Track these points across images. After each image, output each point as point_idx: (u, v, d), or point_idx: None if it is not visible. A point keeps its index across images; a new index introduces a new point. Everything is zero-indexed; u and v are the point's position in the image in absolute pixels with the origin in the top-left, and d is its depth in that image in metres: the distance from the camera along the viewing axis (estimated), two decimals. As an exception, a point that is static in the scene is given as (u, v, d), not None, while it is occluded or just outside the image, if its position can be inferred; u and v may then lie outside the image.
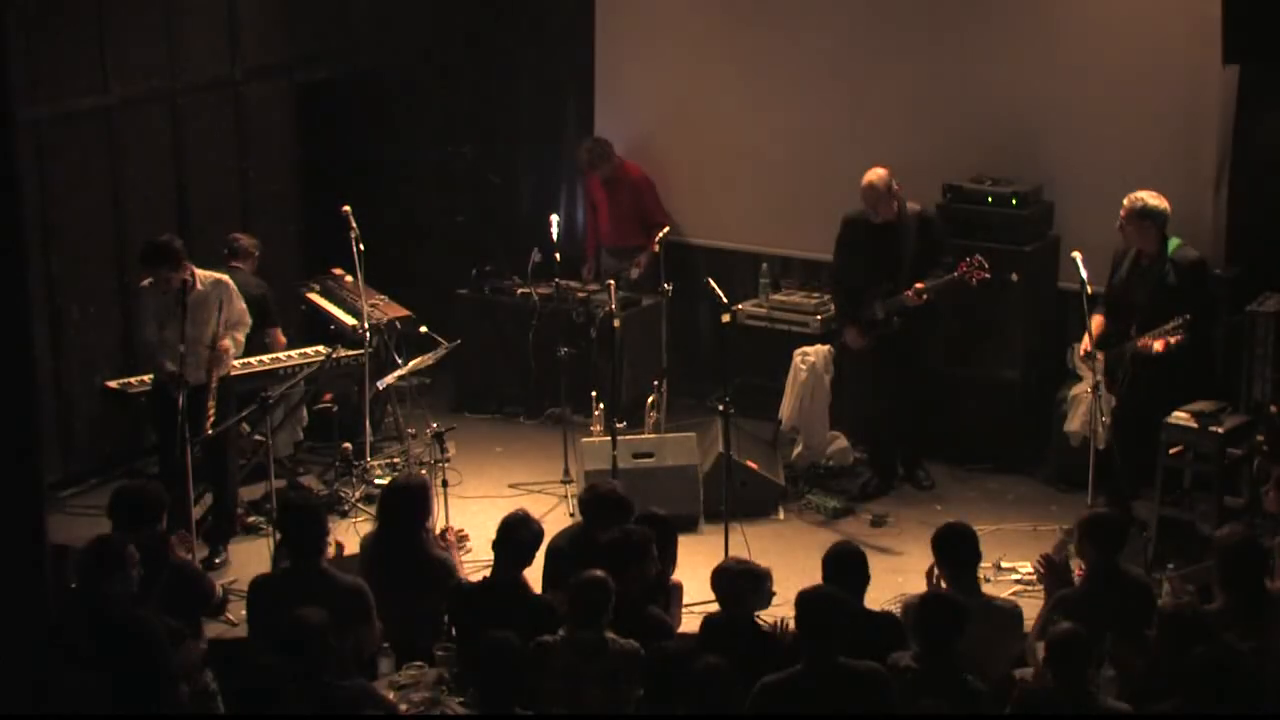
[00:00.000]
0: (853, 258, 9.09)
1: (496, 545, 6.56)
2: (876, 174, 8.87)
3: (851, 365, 9.35)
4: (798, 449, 9.31)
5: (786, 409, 9.31)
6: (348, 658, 5.94)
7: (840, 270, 9.21)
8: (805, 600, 5.73)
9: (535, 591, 6.56)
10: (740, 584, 6.23)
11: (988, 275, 8.75)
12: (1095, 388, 8.17)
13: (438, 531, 7.30)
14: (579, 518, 7.71)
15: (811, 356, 9.31)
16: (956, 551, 6.50)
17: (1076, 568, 7.07)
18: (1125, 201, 8.24)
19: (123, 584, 5.99)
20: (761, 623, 6.49)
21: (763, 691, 5.59)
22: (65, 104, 8.98)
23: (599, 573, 6.05)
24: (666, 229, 9.68)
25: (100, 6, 9.07)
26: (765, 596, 6.36)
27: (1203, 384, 8.43)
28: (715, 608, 6.46)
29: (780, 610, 6.49)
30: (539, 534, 6.60)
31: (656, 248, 9.52)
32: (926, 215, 8.98)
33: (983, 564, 7.95)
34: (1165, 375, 8.16)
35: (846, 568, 6.33)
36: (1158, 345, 8.00)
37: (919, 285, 8.79)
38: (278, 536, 7.22)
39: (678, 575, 7.28)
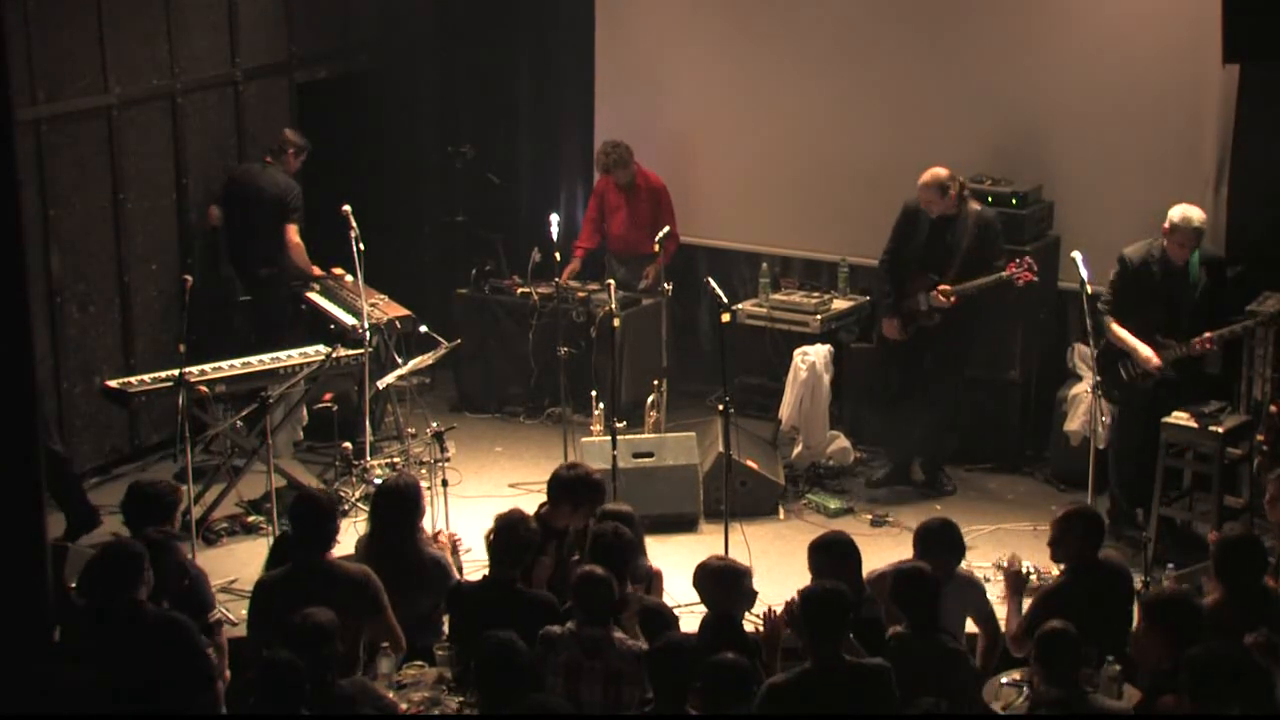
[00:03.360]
0: (907, 245, 9.06)
1: (492, 545, 6.57)
2: (932, 174, 8.87)
3: (885, 357, 9.32)
4: (798, 449, 9.31)
5: (786, 408, 9.31)
6: (352, 656, 5.94)
7: (893, 256, 9.13)
8: (809, 599, 5.73)
9: (534, 590, 6.53)
10: (718, 582, 6.22)
11: (1035, 278, 8.75)
12: (1095, 388, 8.19)
13: (431, 534, 7.29)
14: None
15: (811, 356, 9.31)
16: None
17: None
18: (1185, 217, 8.09)
19: (145, 583, 5.98)
20: (753, 620, 6.49)
21: (769, 693, 5.58)
22: (65, 103, 8.97)
23: (601, 570, 6.05)
24: (666, 229, 9.67)
25: (100, 6, 9.06)
26: (747, 595, 6.36)
27: (1201, 383, 8.46)
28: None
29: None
30: (537, 533, 6.58)
31: (655, 248, 9.52)
32: (985, 217, 8.91)
33: (982, 564, 8.03)
34: (1187, 378, 8.25)
35: (836, 555, 6.36)
36: (1205, 345, 8.12)
37: (943, 287, 8.80)
38: (276, 534, 7.22)
39: (678, 575, 7.30)
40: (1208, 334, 8.17)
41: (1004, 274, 8.76)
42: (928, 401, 9.16)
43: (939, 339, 8.99)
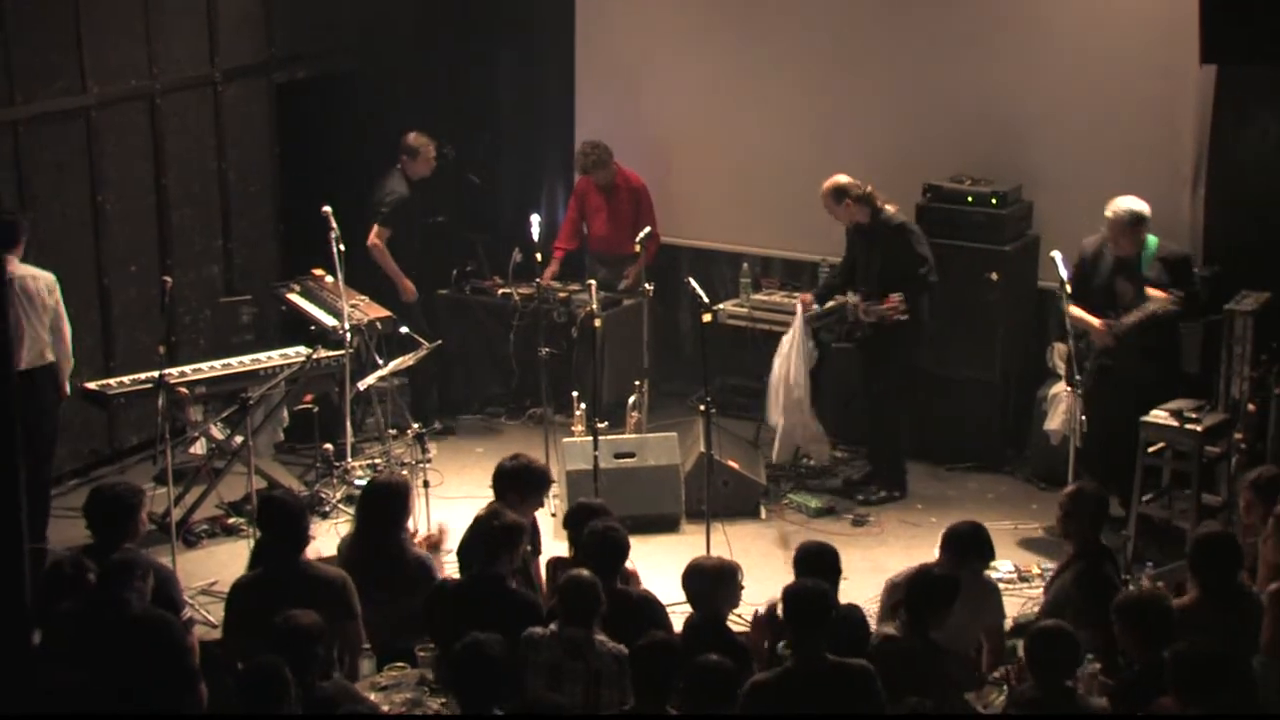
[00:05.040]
0: (847, 254, 9.21)
1: (466, 544, 6.54)
2: (829, 183, 8.97)
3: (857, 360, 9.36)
4: (777, 419, 9.19)
5: (776, 368, 9.24)
6: (330, 657, 5.92)
7: (841, 266, 9.33)
8: (793, 596, 5.73)
9: (516, 588, 6.51)
10: (707, 582, 6.22)
11: (903, 317, 8.77)
12: (1074, 386, 8.21)
13: (413, 534, 7.27)
14: (559, 516, 7.69)
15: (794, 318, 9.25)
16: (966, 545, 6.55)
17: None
18: (1113, 211, 8.23)
19: (139, 591, 6.00)
20: (737, 620, 6.48)
21: (753, 691, 5.57)
22: (44, 104, 8.94)
23: (587, 573, 6.04)
24: (647, 229, 9.67)
25: (79, 6, 9.03)
26: (735, 594, 6.36)
27: (1172, 379, 8.50)
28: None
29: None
30: (511, 526, 6.52)
31: (636, 248, 9.52)
32: (893, 224, 8.91)
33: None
34: (1135, 370, 8.28)
35: (820, 564, 6.34)
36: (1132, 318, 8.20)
37: (862, 306, 8.89)
38: (256, 536, 7.20)
39: (659, 575, 7.30)
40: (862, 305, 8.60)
41: (882, 306, 8.82)
42: (880, 405, 9.19)
43: (877, 346, 9.03)
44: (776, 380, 9.20)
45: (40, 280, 8.11)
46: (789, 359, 9.13)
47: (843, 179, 8.95)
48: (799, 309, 9.21)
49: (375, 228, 9.82)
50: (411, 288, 9.92)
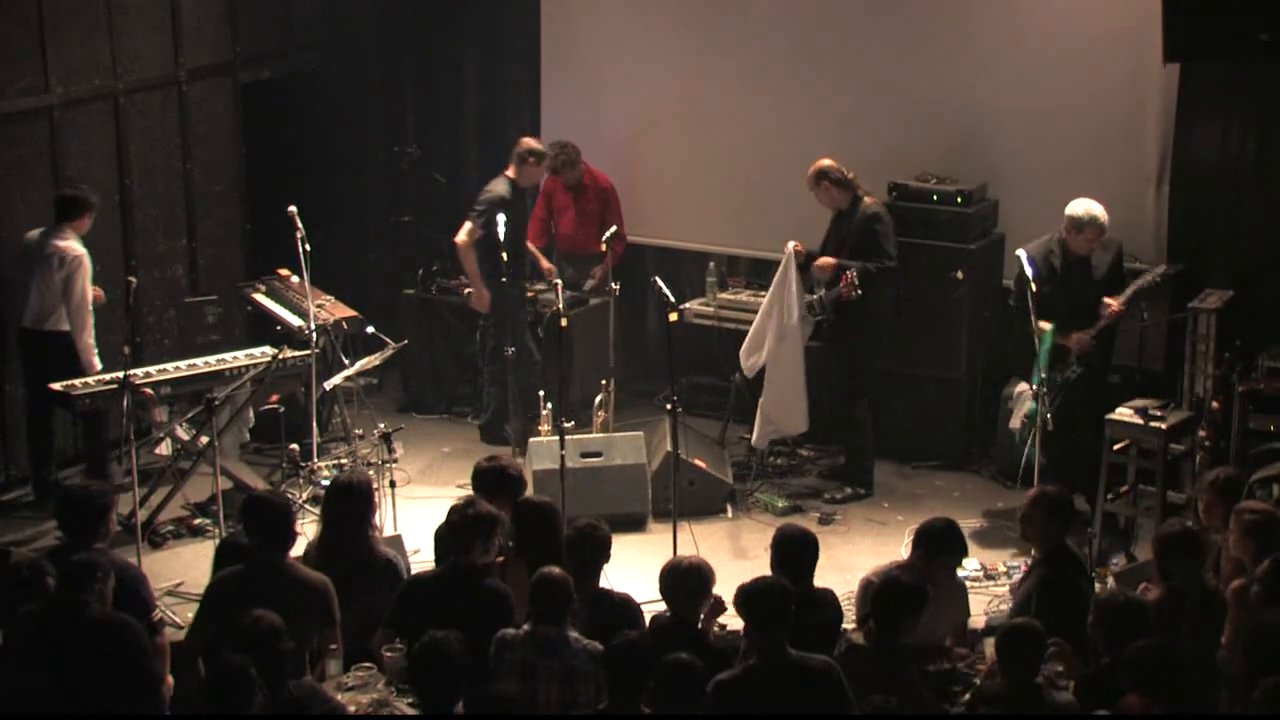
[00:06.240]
0: (826, 236, 9.19)
1: (449, 532, 6.53)
2: (813, 166, 8.98)
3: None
4: (754, 358, 9.16)
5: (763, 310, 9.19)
6: (303, 658, 5.91)
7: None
8: (749, 593, 5.73)
9: (489, 579, 6.47)
10: (683, 584, 6.21)
11: (857, 294, 8.77)
12: (1040, 385, 8.24)
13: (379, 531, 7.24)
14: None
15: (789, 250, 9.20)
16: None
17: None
18: (1089, 214, 8.30)
19: (100, 593, 5.98)
20: (720, 625, 6.51)
21: (716, 689, 5.58)
22: (6, 104, 8.89)
23: (558, 570, 6.03)
24: (613, 229, 9.67)
25: (41, 5, 8.98)
26: (710, 596, 6.35)
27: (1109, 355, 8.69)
28: (660, 606, 6.43)
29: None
30: (484, 515, 6.47)
31: (603, 246, 9.52)
32: (865, 215, 8.95)
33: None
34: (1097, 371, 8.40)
35: (798, 550, 6.35)
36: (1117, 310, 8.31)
37: (820, 294, 8.96)
38: (222, 536, 7.16)
39: (626, 573, 7.30)
40: (1110, 300, 8.33)
41: (838, 288, 8.84)
42: (847, 405, 9.21)
43: (838, 344, 9.09)
44: (762, 321, 9.10)
45: (57, 255, 8.67)
46: (781, 296, 9.01)
47: (826, 162, 8.98)
48: (789, 248, 9.05)
49: (467, 224, 9.63)
50: (486, 296, 9.66)
